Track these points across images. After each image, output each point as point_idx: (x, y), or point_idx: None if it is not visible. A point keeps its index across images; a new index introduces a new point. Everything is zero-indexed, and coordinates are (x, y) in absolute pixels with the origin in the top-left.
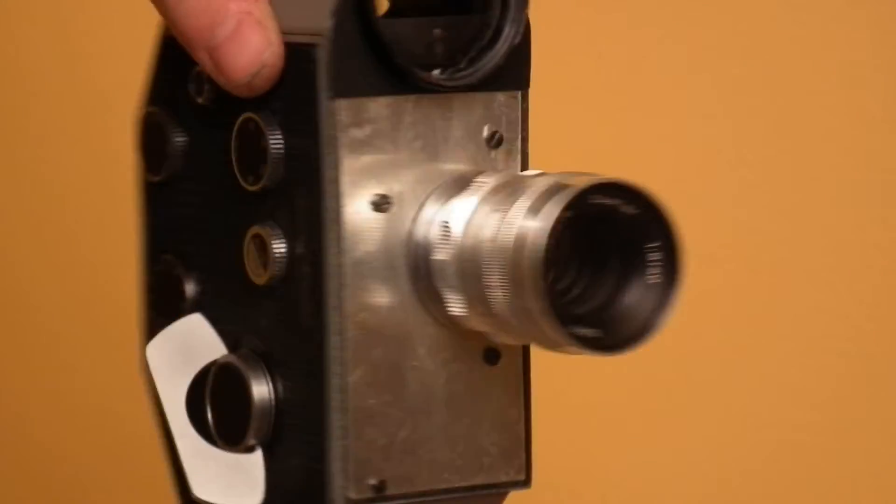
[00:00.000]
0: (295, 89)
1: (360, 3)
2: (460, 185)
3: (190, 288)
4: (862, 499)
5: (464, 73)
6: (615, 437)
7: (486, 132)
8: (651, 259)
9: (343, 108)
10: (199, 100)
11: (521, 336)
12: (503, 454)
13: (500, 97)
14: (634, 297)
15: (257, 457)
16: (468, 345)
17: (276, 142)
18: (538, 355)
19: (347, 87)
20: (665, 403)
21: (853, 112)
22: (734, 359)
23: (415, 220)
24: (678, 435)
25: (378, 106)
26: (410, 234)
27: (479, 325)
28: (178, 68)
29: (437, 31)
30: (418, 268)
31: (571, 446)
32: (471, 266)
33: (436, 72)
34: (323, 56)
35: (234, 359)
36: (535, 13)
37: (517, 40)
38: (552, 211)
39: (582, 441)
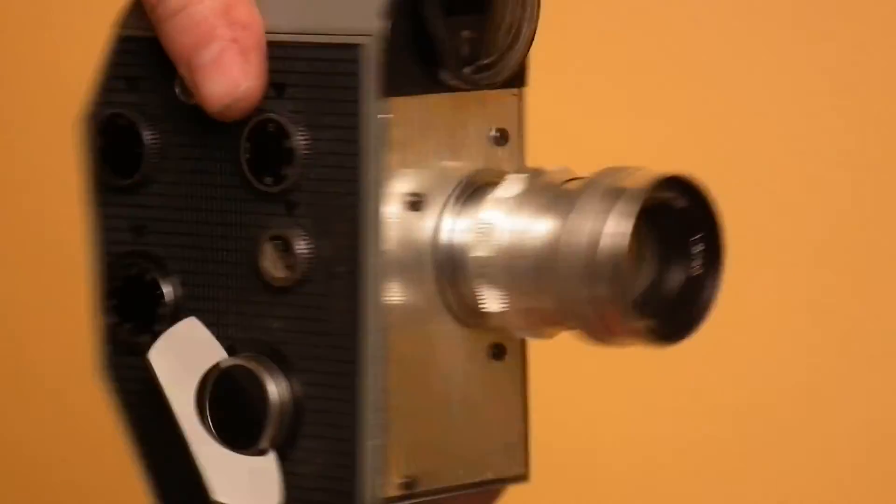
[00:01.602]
0: (333, 88)
1: (413, 4)
2: (487, 182)
3: (169, 291)
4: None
5: (489, 72)
6: (616, 436)
7: (493, 130)
8: (694, 251)
9: (387, 108)
10: (191, 101)
11: (568, 326)
12: (507, 449)
13: (505, 96)
14: (677, 286)
15: (270, 459)
16: (477, 342)
17: (304, 142)
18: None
19: (391, 87)
20: (667, 403)
21: (855, 112)
22: (732, 359)
23: (441, 217)
24: (679, 433)
25: (413, 105)
26: (438, 232)
27: (511, 319)
28: (154, 69)
29: (465, 33)
30: (445, 265)
31: (575, 445)
32: (523, 262)
33: (467, 70)
34: (371, 55)
35: (245, 361)
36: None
37: (533, 40)
38: (630, 209)
39: (585, 440)
